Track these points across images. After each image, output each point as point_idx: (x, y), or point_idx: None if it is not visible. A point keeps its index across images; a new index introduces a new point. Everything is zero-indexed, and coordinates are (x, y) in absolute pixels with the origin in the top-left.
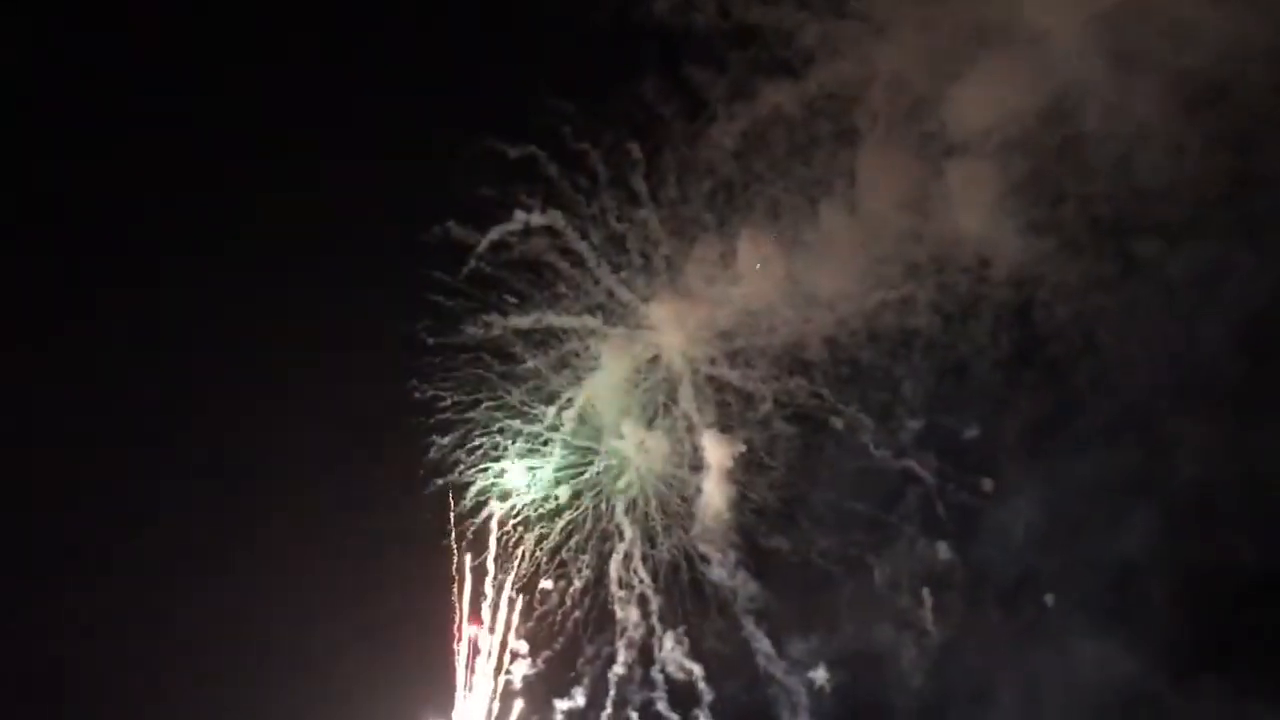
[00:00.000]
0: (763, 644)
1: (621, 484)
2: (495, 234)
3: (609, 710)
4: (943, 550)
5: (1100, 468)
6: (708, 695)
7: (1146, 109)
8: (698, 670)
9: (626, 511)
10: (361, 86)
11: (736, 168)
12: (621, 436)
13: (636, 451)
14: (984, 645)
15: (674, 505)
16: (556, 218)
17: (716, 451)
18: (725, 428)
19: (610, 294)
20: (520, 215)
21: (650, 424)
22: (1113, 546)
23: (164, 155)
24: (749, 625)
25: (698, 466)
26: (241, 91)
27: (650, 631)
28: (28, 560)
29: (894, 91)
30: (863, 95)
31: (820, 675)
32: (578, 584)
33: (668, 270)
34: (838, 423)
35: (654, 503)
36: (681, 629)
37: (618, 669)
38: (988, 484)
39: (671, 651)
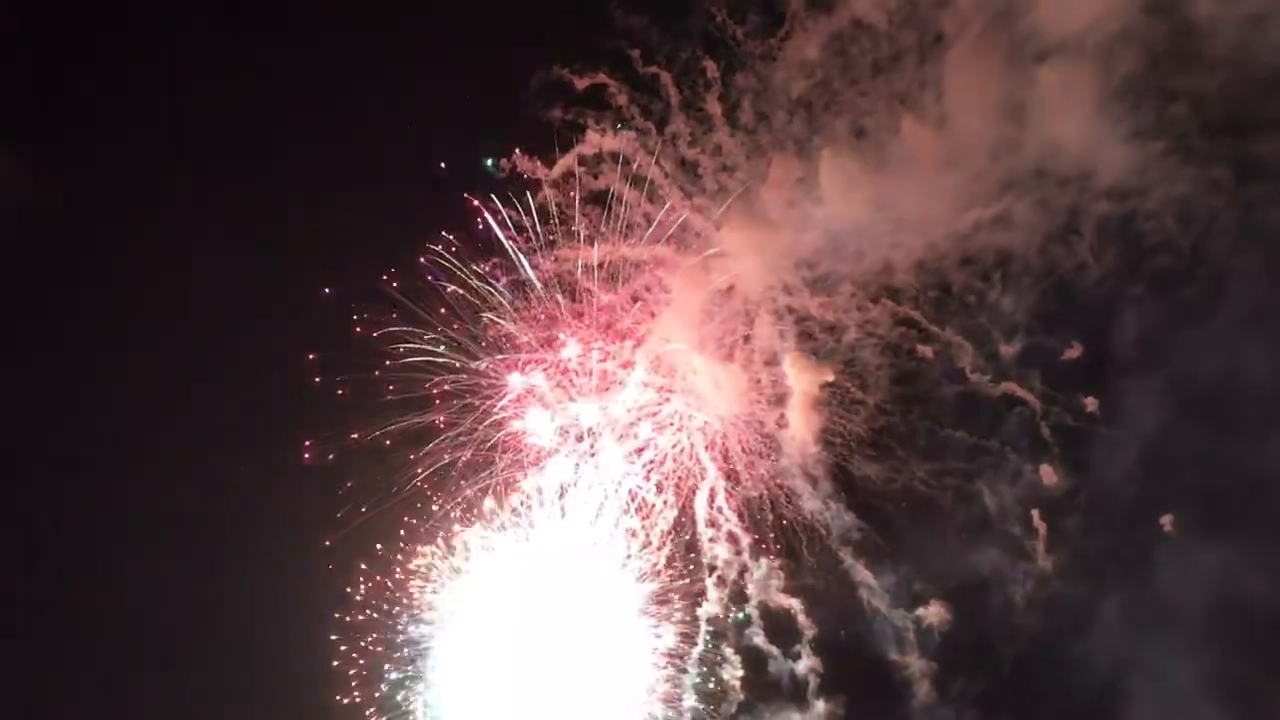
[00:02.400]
0: (864, 576)
1: (699, 420)
2: (566, 159)
3: (702, 647)
4: (1048, 475)
5: (1218, 381)
6: (808, 630)
7: None
8: (796, 604)
9: (707, 448)
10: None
11: (816, 84)
12: (695, 371)
13: (713, 386)
14: (1095, 570)
15: (756, 440)
16: (627, 141)
17: (800, 383)
18: (808, 358)
19: (683, 224)
20: (593, 138)
21: (728, 357)
22: (1234, 462)
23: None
24: (847, 558)
25: (779, 399)
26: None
27: (742, 569)
28: None
29: None
30: None
31: (930, 610)
32: (662, 525)
33: (744, 195)
34: (927, 350)
35: (735, 438)
36: (777, 563)
37: (710, 606)
38: (1092, 404)
39: (766, 586)
